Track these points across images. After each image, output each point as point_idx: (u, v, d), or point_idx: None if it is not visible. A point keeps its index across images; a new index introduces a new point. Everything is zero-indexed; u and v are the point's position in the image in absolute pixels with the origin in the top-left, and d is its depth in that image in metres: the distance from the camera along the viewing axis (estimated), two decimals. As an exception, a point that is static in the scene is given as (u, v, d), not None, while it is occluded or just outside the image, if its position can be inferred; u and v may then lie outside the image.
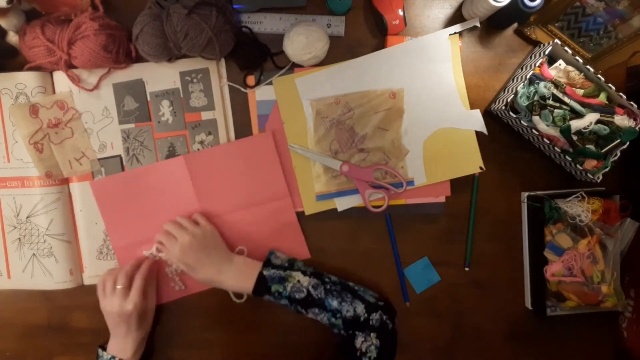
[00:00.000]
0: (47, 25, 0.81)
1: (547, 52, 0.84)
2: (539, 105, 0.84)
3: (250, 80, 0.90)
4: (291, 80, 0.89)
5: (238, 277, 0.83)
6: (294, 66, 0.90)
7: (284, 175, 0.90)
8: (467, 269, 0.94)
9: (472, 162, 0.90)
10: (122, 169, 0.90)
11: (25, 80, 0.86)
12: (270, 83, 0.89)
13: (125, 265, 0.85)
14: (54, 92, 0.88)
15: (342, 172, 0.89)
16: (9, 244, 0.90)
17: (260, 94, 0.90)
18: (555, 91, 0.84)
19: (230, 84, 0.90)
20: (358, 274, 0.93)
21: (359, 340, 0.81)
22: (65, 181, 0.89)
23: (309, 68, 0.89)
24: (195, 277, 0.84)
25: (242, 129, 0.91)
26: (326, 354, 0.93)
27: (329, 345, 0.92)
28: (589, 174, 0.85)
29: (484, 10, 0.85)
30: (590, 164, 0.85)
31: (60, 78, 0.87)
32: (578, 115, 0.83)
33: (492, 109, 0.91)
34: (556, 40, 0.84)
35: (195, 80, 0.89)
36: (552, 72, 0.85)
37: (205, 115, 0.90)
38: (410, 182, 0.90)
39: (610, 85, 0.84)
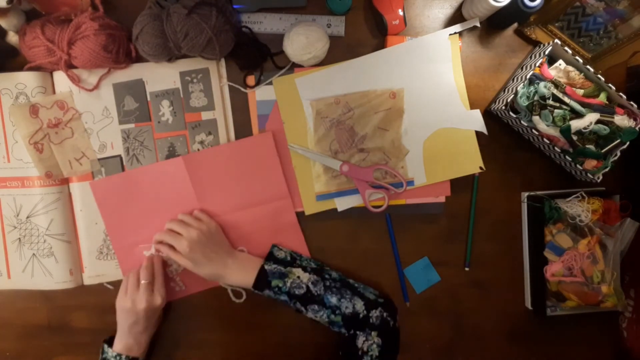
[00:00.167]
0: (47, 25, 0.81)
1: (547, 52, 0.84)
2: (539, 105, 0.84)
3: (250, 80, 0.90)
4: (291, 80, 0.89)
5: (241, 270, 0.85)
6: (294, 66, 0.89)
7: (284, 175, 0.90)
8: (467, 269, 0.94)
9: (472, 162, 0.90)
10: (122, 169, 0.90)
11: (25, 80, 0.86)
12: (270, 83, 0.89)
13: (142, 263, 0.86)
14: (54, 92, 0.88)
15: (342, 172, 0.89)
16: (9, 244, 0.90)
17: (260, 94, 0.90)
18: (555, 91, 0.84)
19: (230, 84, 0.90)
20: (358, 273, 0.93)
21: (360, 340, 0.81)
22: (65, 181, 0.89)
23: (309, 68, 0.89)
24: (200, 273, 0.84)
25: (242, 129, 0.91)
26: (326, 354, 0.93)
27: (329, 345, 0.92)
28: (589, 174, 0.85)
29: (484, 10, 0.85)
30: (590, 164, 0.85)
31: (60, 78, 0.87)
32: (578, 115, 0.83)
33: (492, 109, 0.91)
34: (556, 40, 0.84)
35: (195, 80, 0.89)
36: (552, 72, 0.85)
37: (205, 115, 0.89)
38: (410, 182, 0.90)
39: (610, 85, 0.84)
